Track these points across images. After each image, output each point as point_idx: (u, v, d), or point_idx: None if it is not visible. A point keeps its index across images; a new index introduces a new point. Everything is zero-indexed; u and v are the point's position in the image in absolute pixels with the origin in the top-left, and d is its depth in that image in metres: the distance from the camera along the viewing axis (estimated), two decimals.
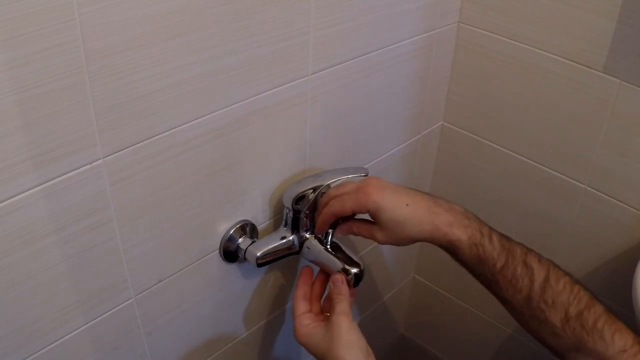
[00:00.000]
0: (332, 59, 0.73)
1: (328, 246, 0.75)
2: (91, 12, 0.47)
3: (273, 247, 0.75)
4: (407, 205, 0.66)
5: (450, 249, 0.67)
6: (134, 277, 0.64)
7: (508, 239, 0.67)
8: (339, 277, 0.71)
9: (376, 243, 0.72)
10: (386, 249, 1.09)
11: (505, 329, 1.16)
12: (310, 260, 0.77)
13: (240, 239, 0.74)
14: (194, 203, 0.66)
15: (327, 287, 0.74)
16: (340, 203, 0.69)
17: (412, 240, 0.68)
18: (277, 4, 0.62)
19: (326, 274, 0.76)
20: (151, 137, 0.58)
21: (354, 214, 0.71)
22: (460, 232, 0.66)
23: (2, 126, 0.46)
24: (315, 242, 0.75)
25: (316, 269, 0.77)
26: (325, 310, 0.74)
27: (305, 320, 0.71)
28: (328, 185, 0.73)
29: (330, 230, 0.74)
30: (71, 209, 0.55)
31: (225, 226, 0.72)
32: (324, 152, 0.81)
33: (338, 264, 0.73)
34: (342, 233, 0.74)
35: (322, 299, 0.76)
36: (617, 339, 0.59)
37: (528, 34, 0.87)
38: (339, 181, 0.74)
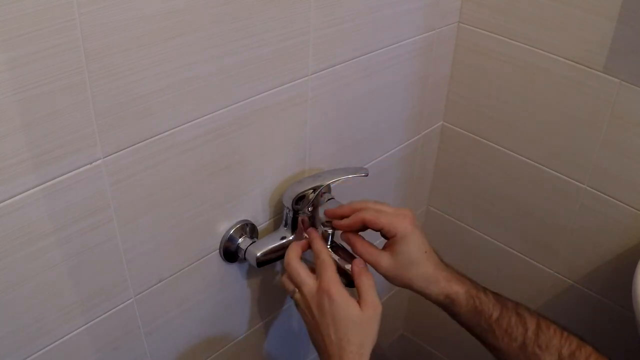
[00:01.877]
0: (332, 59, 0.73)
1: (329, 246, 0.75)
2: (91, 12, 0.47)
3: (273, 247, 0.75)
4: (425, 252, 0.69)
5: (447, 302, 0.69)
6: (134, 277, 0.64)
7: (499, 294, 0.70)
8: (360, 261, 0.70)
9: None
10: None
11: None
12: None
13: (240, 239, 0.74)
14: (194, 203, 0.66)
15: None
16: (376, 215, 0.69)
17: (408, 284, 0.69)
18: (277, 4, 0.62)
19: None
20: (151, 137, 0.58)
21: (378, 231, 0.71)
22: (457, 287, 0.69)
23: (2, 126, 0.46)
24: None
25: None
26: None
27: (340, 283, 0.67)
28: (328, 186, 0.73)
29: (331, 231, 0.74)
30: (71, 209, 0.55)
31: (225, 226, 0.72)
32: (324, 152, 0.81)
33: (339, 263, 0.73)
34: (347, 238, 0.72)
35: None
36: None
37: (528, 34, 0.87)
38: (339, 181, 0.74)
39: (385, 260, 0.69)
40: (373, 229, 0.70)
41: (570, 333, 0.66)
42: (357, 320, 0.64)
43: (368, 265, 0.70)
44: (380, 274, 0.70)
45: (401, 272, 0.69)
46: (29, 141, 0.49)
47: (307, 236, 0.74)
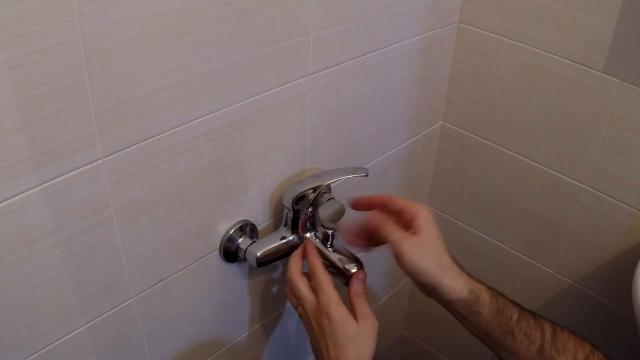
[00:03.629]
0: (332, 59, 0.73)
1: (328, 246, 0.75)
2: (91, 12, 0.47)
3: (273, 247, 0.75)
4: (443, 246, 0.67)
5: (471, 298, 0.65)
6: (134, 277, 0.64)
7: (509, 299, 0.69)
8: (363, 276, 0.70)
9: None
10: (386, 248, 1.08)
11: None
12: None
13: (240, 239, 0.74)
14: (194, 203, 0.66)
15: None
16: (395, 197, 0.70)
17: (431, 275, 0.65)
18: (277, 4, 0.62)
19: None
20: (151, 137, 0.58)
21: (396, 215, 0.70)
22: (479, 285, 0.67)
23: (2, 126, 0.46)
24: (316, 242, 0.75)
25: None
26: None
27: (339, 300, 0.67)
28: (328, 186, 0.73)
29: (330, 232, 0.74)
30: (71, 209, 0.55)
31: (225, 226, 0.72)
32: (324, 152, 0.81)
33: (339, 263, 0.73)
34: (374, 218, 0.69)
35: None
36: None
37: (528, 34, 0.87)
38: (339, 181, 0.74)
39: (407, 241, 0.65)
40: (392, 210, 0.70)
41: (582, 339, 0.66)
42: (355, 335, 0.65)
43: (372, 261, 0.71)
44: (402, 262, 0.65)
45: (425, 260, 0.65)
46: (29, 141, 0.49)
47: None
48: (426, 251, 0.66)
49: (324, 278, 0.68)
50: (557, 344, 0.65)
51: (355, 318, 0.66)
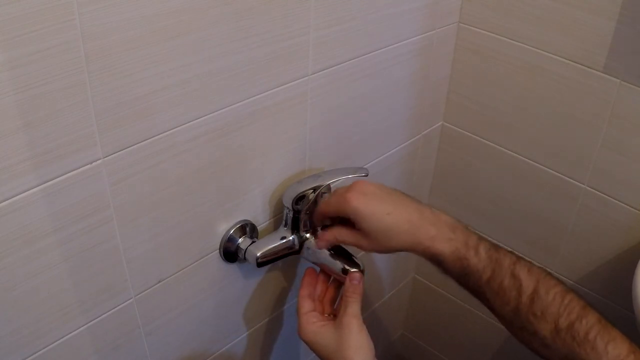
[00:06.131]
0: (332, 59, 0.73)
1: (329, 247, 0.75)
2: (91, 12, 0.47)
3: (273, 247, 0.75)
4: (388, 214, 0.65)
5: (434, 261, 0.66)
6: (134, 277, 0.64)
7: (497, 248, 0.65)
8: (357, 276, 0.70)
9: None
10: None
11: (505, 329, 1.16)
12: (310, 261, 0.77)
13: (240, 239, 0.74)
14: (194, 203, 0.66)
15: (335, 286, 0.75)
16: (326, 203, 0.71)
17: (396, 250, 0.67)
18: (277, 4, 0.62)
19: (328, 274, 0.76)
20: (151, 137, 0.58)
21: (341, 219, 0.71)
22: (442, 246, 0.64)
23: (2, 126, 0.46)
24: (316, 242, 0.75)
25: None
26: (326, 311, 0.74)
27: (312, 318, 0.70)
28: (328, 186, 0.73)
29: None
30: (71, 209, 0.55)
31: (225, 226, 0.72)
32: (324, 152, 0.81)
33: (338, 264, 0.73)
34: (324, 242, 0.73)
35: (325, 298, 0.76)
36: (611, 349, 0.57)
37: (528, 34, 0.87)
38: (339, 181, 0.74)
39: (362, 241, 0.68)
40: (334, 222, 0.72)
41: (575, 298, 0.61)
42: (335, 348, 0.66)
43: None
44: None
45: (380, 245, 0.67)
46: (29, 141, 0.49)
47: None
48: (374, 239, 0.67)
49: (298, 306, 0.73)
50: (535, 307, 0.61)
51: (342, 318, 0.67)
